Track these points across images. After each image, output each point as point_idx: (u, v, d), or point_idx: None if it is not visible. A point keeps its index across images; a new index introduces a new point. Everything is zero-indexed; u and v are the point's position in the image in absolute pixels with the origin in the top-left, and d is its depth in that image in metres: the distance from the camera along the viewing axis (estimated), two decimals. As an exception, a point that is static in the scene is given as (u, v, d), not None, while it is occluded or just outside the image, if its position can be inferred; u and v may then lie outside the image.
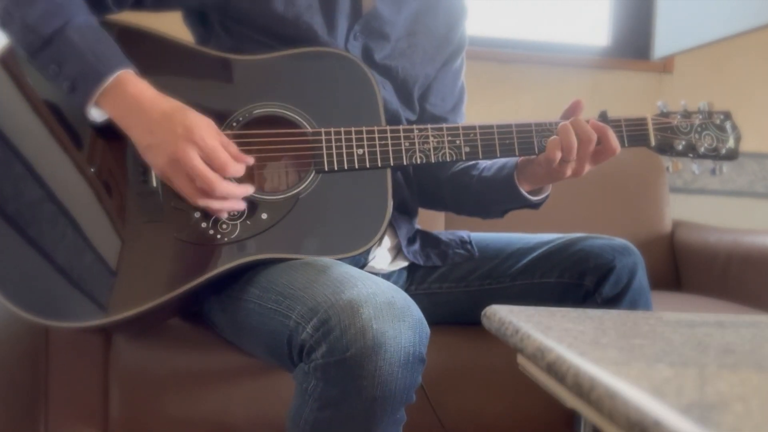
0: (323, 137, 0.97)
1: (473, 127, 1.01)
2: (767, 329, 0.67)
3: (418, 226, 1.20)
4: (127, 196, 0.94)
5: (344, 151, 0.97)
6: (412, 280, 1.17)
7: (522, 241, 1.15)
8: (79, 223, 0.92)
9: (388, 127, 0.99)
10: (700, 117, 1.08)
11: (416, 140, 1.00)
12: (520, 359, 0.65)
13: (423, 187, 1.20)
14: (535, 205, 1.11)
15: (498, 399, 1.17)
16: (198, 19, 1.07)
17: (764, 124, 2.08)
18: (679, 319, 0.71)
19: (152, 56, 0.96)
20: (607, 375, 0.45)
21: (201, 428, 1.08)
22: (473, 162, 1.14)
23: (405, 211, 1.15)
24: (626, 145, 1.04)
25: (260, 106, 0.97)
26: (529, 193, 1.08)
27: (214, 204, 0.90)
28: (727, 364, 0.52)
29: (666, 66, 2.15)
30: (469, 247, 1.16)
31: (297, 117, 0.98)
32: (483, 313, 0.70)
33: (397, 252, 1.14)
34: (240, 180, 0.92)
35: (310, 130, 0.97)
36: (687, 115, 1.08)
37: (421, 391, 0.83)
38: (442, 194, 1.21)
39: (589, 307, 1.05)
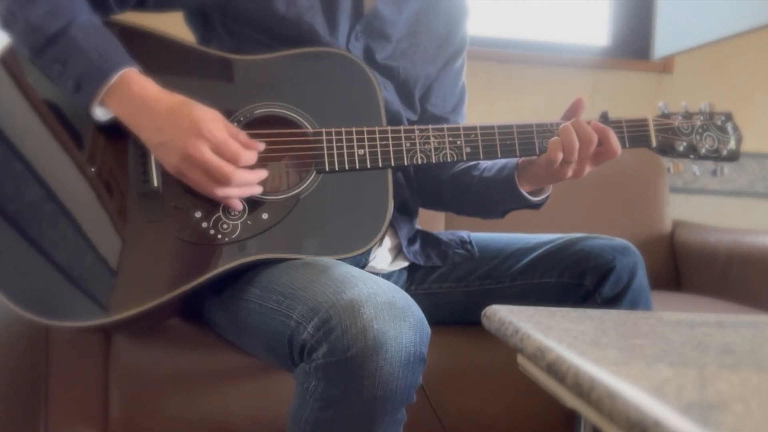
0: (324, 137, 0.97)
1: (474, 128, 1.01)
2: (767, 329, 0.67)
3: (418, 226, 1.20)
4: (127, 196, 0.94)
5: (345, 151, 0.97)
6: (413, 280, 1.17)
7: (522, 241, 1.15)
8: (80, 223, 0.92)
9: (389, 128, 0.99)
10: (702, 118, 1.08)
11: (417, 140, 1.00)
12: (520, 359, 0.65)
13: (424, 187, 1.20)
14: (535, 206, 1.11)
15: (498, 399, 1.17)
16: (199, 20, 1.07)
17: (764, 124, 2.08)
18: (679, 319, 0.71)
19: (153, 56, 0.96)
20: (607, 375, 0.45)
21: (201, 428, 1.08)
22: (474, 162, 1.14)
23: (405, 211, 1.15)
24: (627, 146, 1.04)
25: (261, 106, 0.97)
26: (530, 193, 1.08)
27: (233, 192, 0.91)
28: (727, 364, 0.52)
29: (666, 66, 2.15)
30: (469, 247, 1.16)
31: (298, 117, 0.98)
32: (483, 313, 0.70)
33: (398, 252, 1.14)
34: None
35: (311, 130, 0.97)
36: (688, 116, 1.08)
37: (421, 391, 0.83)
38: (442, 194, 1.21)
39: (589, 307, 1.05)
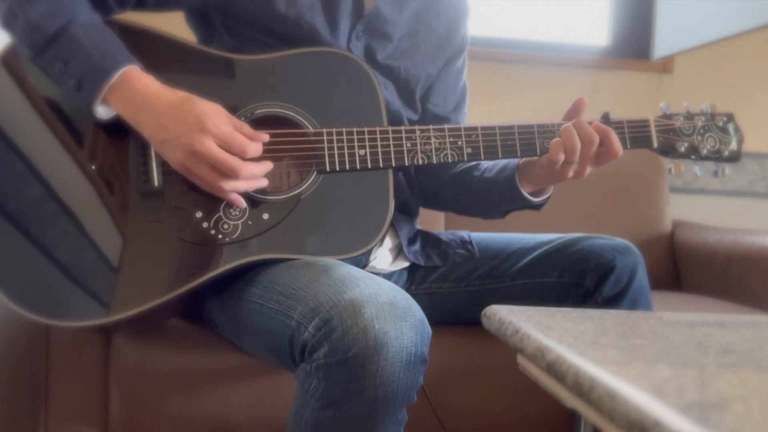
0: (325, 137, 0.97)
1: (475, 128, 1.01)
2: (767, 329, 0.67)
3: (418, 226, 1.20)
4: (128, 196, 0.94)
5: (346, 151, 0.97)
6: (413, 280, 1.17)
7: (522, 241, 1.15)
8: (81, 223, 0.92)
9: (389, 128, 0.99)
10: (703, 119, 1.08)
11: (418, 141, 1.00)
12: (520, 359, 0.65)
13: (424, 187, 1.20)
14: (536, 206, 1.11)
15: (498, 399, 1.17)
16: (200, 20, 1.07)
17: (764, 124, 2.08)
18: (679, 319, 0.71)
19: (154, 55, 0.96)
20: (607, 375, 0.45)
21: (201, 428, 1.08)
22: (475, 162, 1.14)
23: (406, 211, 1.15)
24: (628, 146, 1.04)
25: (262, 106, 0.98)
26: (531, 194, 1.08)
27: (240, 185, 0.91)
28: (727, 364, 0.52)
29: (666, 66, 2.15)
30: (469, 247, 1.16)
31: (299, 117, 0.98)
32: (483, 313, 0.70)
33: (398, 252, 1.14)
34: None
35: (311, 130, 0.97)
36: (689, 116, 1.08)
37: (421, 391, 0.83)
38: (443, 195, 1.21)
39: (590, 307, 1.05)
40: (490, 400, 1.17)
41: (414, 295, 0.91)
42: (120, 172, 0.94)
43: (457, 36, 1.17)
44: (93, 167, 0.94)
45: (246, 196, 0.94)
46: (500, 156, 1.02)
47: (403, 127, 1.00)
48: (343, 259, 0.95)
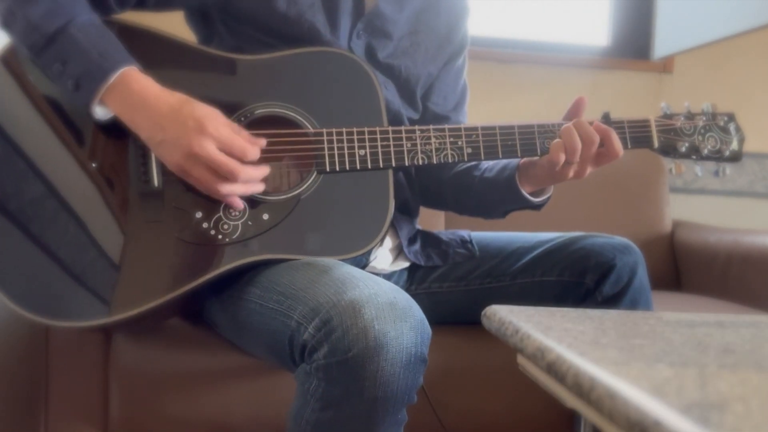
0: (325, 138, 0.97)
1: (475, 128, 1.01)
2: (767, 329, 0.67)
3: (418, 226, 1.20)
4: (128, 196, 0.94)
5: (346, 151, 0.97)
6: (413, 279, 1.17)
7: (522, 240, 1.15)
8: (81, 223, 0.92)
9: (390, 128, 0.99)
10: (704, 119, 1.07)
11: (418, 141, 1.00)
12: (520, 359, 0.65)
13: (425, 187, 1.20)
14: (536, 207, 1.11)
15: (498, 399, 1.17)
16: (200, 19, 1.07)
17: (764, 124, 2.08)
18: (679, 319, 0.71)
19: (154, 55, 0.96)
20: (607, 375, 0.45)
21: (201, 428, 1.08)
22: (475, 162, 1.14)
23: (406, 211, 1.15)
24: (629, 146, 1.04)
25: (262, 106, 0.97)
26: (531, 194, 1.08)
27: (238, 189, 0.91)
28: (727, 364, 0.52)
29: (666, 66, 2.15)
30: (469, 246, 1.16)
31: (299, 117, 0.98)
32: (483, 313, 0.70)
33: (398, 252, 1.14)
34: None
35: (311, 130, 0.97)
36: (690, 116, 1.08)
37: (421, 391, 0.83)
38: (444, 194, 1.21)
39: (589, 306, 1.05)
40: (490, 400, 1.17)
41: (414, 295, 0.91)
42: (120, 172, 0.94)
43: (458, 35, 1.17)
44: (93, 167, 0.94)
45: (246, 196, 0.94)
46: (500, 156, 1.02)
47: (403, 127, 1.00)
48: (343, 260, 0.95)
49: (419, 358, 0.79)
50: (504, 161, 1.09)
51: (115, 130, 0.93)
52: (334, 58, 1.01)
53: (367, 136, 0.98)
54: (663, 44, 2.07)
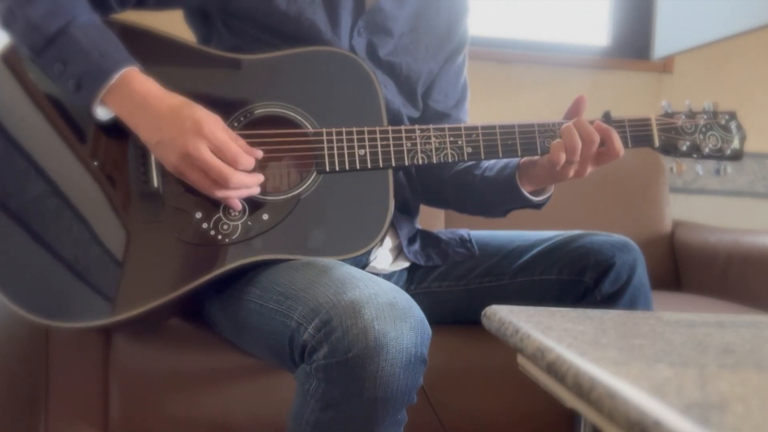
0: (324, 137, 0.97)
1: (475, 128, 1.01)
2: (767, 329, 0.67)
3: (418, 225, 1.20)
4: (128, 196, 0.94)
5: (345, 151, 0.97)
6: (412, 279, 1.17)
7: (522, 239, 1.15)
8: (81, 224, 0.92)
9: (389, 128, 0.99)
10: (705, 117, 1.07)
11: (418, 141, 1.00)
12: (520, 359, 0.65)
13: (425, 186, 1.20)
14: (537, 206, 1.11)
15: (498, 399, 1.17)
16: (199, 18, 1.07)
17: (764, 124, 2.08)
18: (679, 319, 0.71)
19: (154, 55, 0.96)
20: (607, 375, 0.45)
21: (201, 428, 1.08)
22: (475, 162, 1.14)
23: (406, 211, 1.15)
24: (630, 145, 1.03)
25: (262, 106, 0.97)
26: (532, 193, 1.08)
27: (231, 194, 0.91)
28: (727, 364, 0.52)
29: (666, 66, 2.15)
30: (469, 245, 1.16)
31: (298, 117, 0.98)
32: (483, 313, 0.70)
33: (398, 252, 1.14)
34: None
35: (311, 130, 0.97)
36: (691, 115, 1.07)
37: (421, 391, 0.83)
38: (444, 193, 1.21)
39: (589, 304, 1.06)
40: (490, 400, 1.17)
41: (414, 295, 0.91)
42: (120, 172, 0.94)
43: (458, 32, 1.17)
44: (93, 168, 0.94)
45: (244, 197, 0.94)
46: (501, 156, 1.02)
47: (403, 127, 1.00)
48: (343, 260, 0.94)
49: (419, 358, 0.79)
50: (504, 160, 1.09)
51: (116, 130, 0.93)
52: (333, 58, 1.01)
53: (366, 136, 0.98)
54: (663, 44, 2.07)
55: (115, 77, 0.88)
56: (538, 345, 0.55)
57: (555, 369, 0.50)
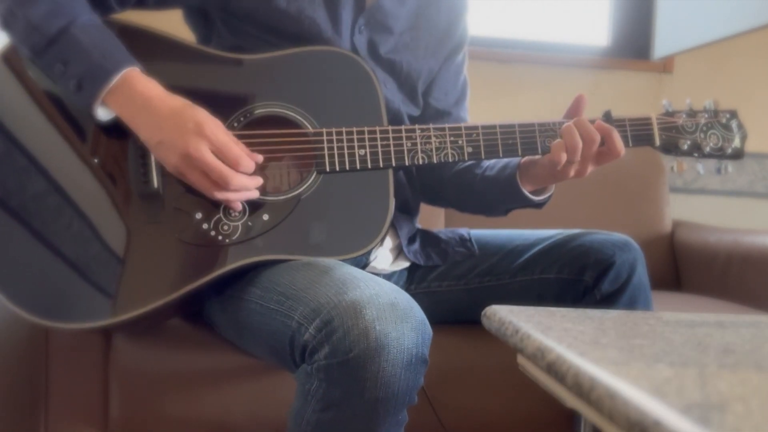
0: (324, 137, 0.97)
1: (476, 127, 1.01)
2: (767, 329, 0.67)
3: (418, 225, 1.20)
4: (128, 197, 0.94)
5: (346, 151, 0.97)
6: (412, 279, 1.17)
7: (521, 238, 1.15)
8: (81, 225, 0.92)
9: (389, 127, 0.99)
10: (706, 116, 1.07)
11: (418, 140, 1.00)
12: (520, 359, 0.65)
13: (426, 185, 1.20)
14: (537, 205, 1.11)
15: (498, 399, 1.17)
16: (199, 18, 1.07)
17: (764, 124, 2.08)
18: (679, 319, 0.71)
19: (153, 55, 0.96)
20: (607, 375, 0.45)
21: (201, 428, 1.08)
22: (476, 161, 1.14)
23: (406, 210, 1.15)
24: (630, 144, 1.03)
25: (261, 106, 0.97)
26: (532, 193, 1.08)
27: (230, 196, 0.91)
28: (727, 364, 0.52)
29: (666, 66, 2.15)
30: (469, 244, 1.16)
31: (298, 117, 0.98)
32: (483, 313, 0.70)
33: (399, 252, 1.14)
34: None
35: (311, 130, 0.97)
36: (692, 114, 1.07)
37: (421, 391, 0.83)
38: (445, 193, 1.21)
39: (589, 303, 1.06)
40: (490, 400, 1.17)
41: (414, 295, 0.91)
42: (120, 173, 0.94)
43: (457, 31, 1.17)
44: (93, 169, 0.94)
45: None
46: (501, 155, 1.02)
47: (403, 127, 1.00)
48: (343, 260, 0.94)
49: (420, 358, 0.79)
50: (505, 160, 1.09)
51: (116, 131, 0.93)
52: (333, 58, 1.01)
53: (366, 136, 0.98)
54: (663, 44, 2.07)
55: (117, 77, 0.88)
56: (538, 345, 0.55)
57: (555, 369, 0.50)
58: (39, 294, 0.91)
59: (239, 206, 0.94)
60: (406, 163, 0.99)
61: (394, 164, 0.99)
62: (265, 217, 0.95)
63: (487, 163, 1.13)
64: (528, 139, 1.02)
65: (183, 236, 0.93)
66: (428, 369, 0.83)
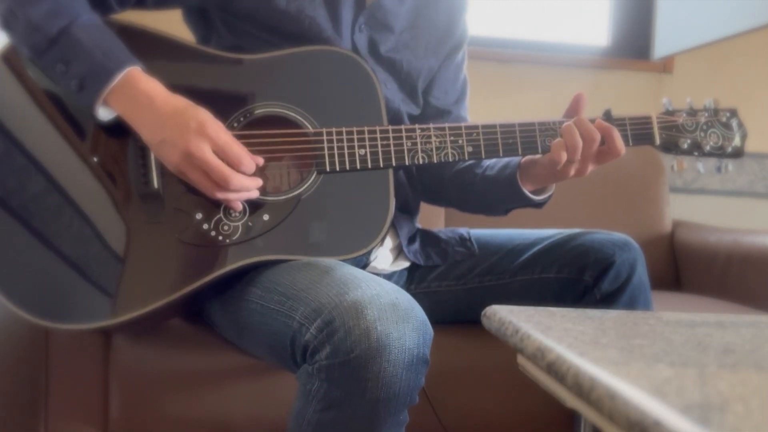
0: (324, 137, 0.97)
1: (476, 127, 1.01)
2: (767, 329, 0.67)
3: (418, 225, 1.20)
4: (128, 198, 0.94)
5: (346, 151, 0.97)
6: (412, 279, 1.17)
7: (521, 237, 1.15)
8: (81, 226, 0.92)
9: (390, 127, 0.99)
10: (706, 115, 1.07)
11: (418, 140, 1.00)
12: (520, 359, 0.65)
13: (426, 185, 1.20)
14: (538, 205, 1.11)
15: (498, 399, 1.17)
16: (199, 18, 1.07)
17: (765, 124, 2.07)
18: (679, 319, 0.71)
19: (153, 55, 0.96)
20: (607, 375, 0.45)
21: (201, 428, 1.08)
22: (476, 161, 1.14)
23: (406, 210, 1.15)
24: (630, 144, 1.03)
25: (261, 106, 0.97)
26: (533, 192, 1.08)
27: (231, 196, 0.91)
28: (727, 364, 0.52)
29: (666, 66, 2.15)
30: (468, 244, 1.16)
31: (298, 117, 0.98)
32: (483, 313, 0.70)
33: (399, 252, 1.14)
34: None
35: (311, 130, 0.97)
36: (692, 113, 1.07)
37: (421, 391, 0.83)
38: (445, 192, 1.21)
39: (588, 303, 1.06)
40: (490, 400, 1.17)
41: (414, 295, 0.91)
42: (120, 174, 0.94)
43: (457, 30, 1.17)
44: (93, 169, 0.94)
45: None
46: (501, 154, 1.02)
47: (403, 126, 1.00)
48: (344, 260, 0.94)
49: (421, 359, 0.79)
50: (505, 159, 1.09)
51: (116, 131, 0.93)
52: (333, 57, 1.01)
53: (367, 136, 0.98)
54: (663, 44, 2.07)
55: (119, 77, 0.88)
56: (538, 345, 0.55)
57: (555, 369, 0.50)
58: (39, 294, 0.91)
59: (239, 206, 0.94)
60: (407, 163, 0.99)
61: (394, 164, 0.99)
62: (266, 217, 0.95)
63: (487, 162, 1.13)
64: (528, 138, 1.02)
65: (183, 236, 0.93)
66: (428, 369, 0.83)
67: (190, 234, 0.93)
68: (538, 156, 1.04)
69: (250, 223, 0.95)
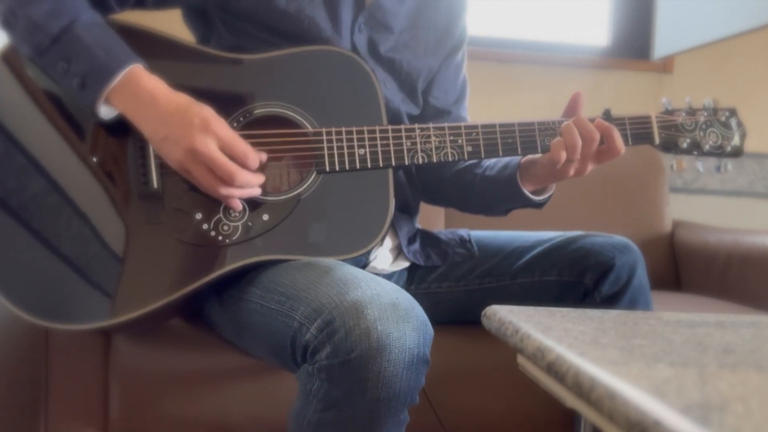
0: (324, 137, 0.97)
1: (475, 126, 1.01)
2: (767, 329, 0.67)
3: (418, 225, 1.20)
4: (128, 198, 0.94)
5: (345, 151, 0.97)
6: (412, 279, 1.17)
7: (522, 239, 1.15)
8: (81, 226, 0.92)
9: (389, 127, 0.99)
10: (705, 114, 1.07)
11: (418, 140, 1.00)
12: (520, 359, 0.65)
13: (426, 185, 1.20)
14: (538, 205, 1.11)
15: (498, 399, 1.17)
16: (199, 18, 1.06)
17: (764, 124, 2.07)
18: (679, 319, 0.71)
19: (153, 55, 0.96)
20: (607, 375, 0.45)
21: (201, 428, 1.08)
22: (476, 160, 1.14)
23: (406, 210, 1.15)
24: (630, 143, 1.04)
25: (261, 106, 0.97)
26: (533, 192, 1.08)
27: (235, 192, 0.91)
28: (727, 364, 0.52)
29: (666, 66, 2.15)
30: (469, 245, 1.16)
31: (298, 117, 0.98)
32: (483, 313, 0.70)
33: (399, 252, 1.14)
34: None
35: (311, 130, 0.97)
36: (692, 112, 1.08)
37: (421, 391, 0.83)
38: (445, 192, 1.21)
39: (588, 305, 1.06)
40: (490, 400, 1.17)
41: (414, 295, 0.91)
42: (120, 174, 0.94)
43: (456, 30, 1.17)
44: (92, 169, 0.94)
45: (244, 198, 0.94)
46: (501, 154, 1.02)
47: (402, 126, 1.00)
48: (343, 260, 0.94)
49: (421, 359, 0.79)
50: (505, 159, 1.09)
51: (116, 131, 0.93)
52: (332, 57, 1.01)
53: (366, 136, 0.98)
54: (663, 44, 2.07)
55: (121, 75, 0.88)
56: (538, 345, 0.55)
57: (555, 369, 0.50)
58: (39, 294, 0.91)
59: (239, 206, 0.94)
60: (406, 163, 0.99)
61: (393, 164, 0.99)
62: (265, 217, 0.95)
63: (487, 162, 1.13)
64: (528, 137, 1.02)
65: (183, 236, 0.93)
66: (428, 369, 0.82)
67: (190, 234, 0.93)
68: (537, 156, 1.04)
69: (249, 223, 0.95)
